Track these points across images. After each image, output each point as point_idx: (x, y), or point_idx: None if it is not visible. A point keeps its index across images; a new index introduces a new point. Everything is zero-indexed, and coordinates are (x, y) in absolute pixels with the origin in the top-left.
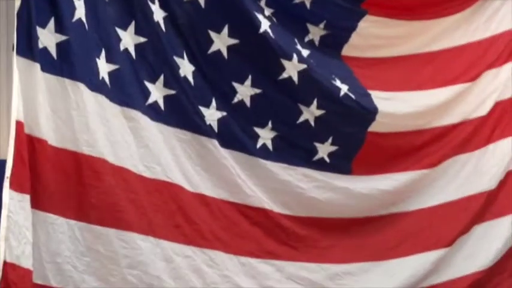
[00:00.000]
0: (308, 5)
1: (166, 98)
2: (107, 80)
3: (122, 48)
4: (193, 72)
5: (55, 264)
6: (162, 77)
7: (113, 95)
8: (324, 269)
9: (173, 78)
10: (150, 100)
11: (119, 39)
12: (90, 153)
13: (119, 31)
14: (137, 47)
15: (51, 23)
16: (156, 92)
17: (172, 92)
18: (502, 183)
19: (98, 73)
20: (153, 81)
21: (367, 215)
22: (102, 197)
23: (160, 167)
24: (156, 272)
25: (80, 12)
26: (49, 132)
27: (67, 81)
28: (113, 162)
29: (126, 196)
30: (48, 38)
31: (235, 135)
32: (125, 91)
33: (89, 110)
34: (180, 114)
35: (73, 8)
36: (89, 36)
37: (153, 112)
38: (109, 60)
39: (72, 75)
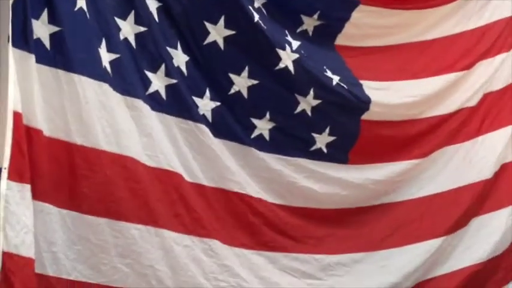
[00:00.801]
0: None
1: (168, 87)
2: (108, 69)
3: (121, 37)
4: (187, 63)
5: (51, 253)
6: (163, 67)
7: (116, 83)
8: (317, 260)
9: (173, 68)
10: (151, 89)
11: (119, 29)
12: (83, 143)
13: (119, 21)
14: (137, 36)
15: (45, 14)
16: (157, 82)
17: (174, 81)
18: (497, 176)
19: (100, 62)
20: (154, 70)
21: (359, 205)
22: (95, 187)
23: (163, 155)
24: (149, 261)
25: (81, 2)
26: (43, 123)
27: (60, 72)
28: (114, 151)
29: (127, 185)
30: (42, 29)
31: (229, 126)
32: (126, 80)
33: (83, 100)
34: (181, 103)
35: None
36: (89, 25)
37: (154, 101)
38: (109, 49)
39: (66, 66)
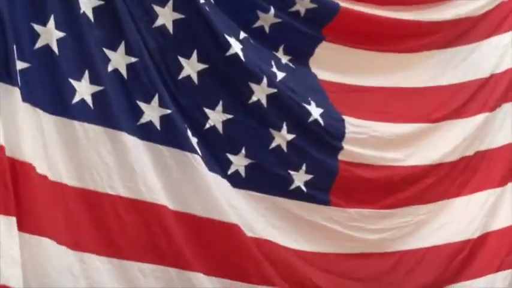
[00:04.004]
0: (267, 29)
1: (163, 118)
2: (89, 102)
3: (110, 68)
4: (174, 96)
5: (41, 284)
6: (156, 97)
7: (95, 116)
8: None
9: (167, 99)
10: (143, 120)
11: (108, 60)
12: (50, 177)
13: (108, 52)
14: (128, 66)
15: (14, 51)
16: (151, 112)
17: (168, 111)
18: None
19: (71, 96)
20: (148, 101)
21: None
22: (63, 220)
23: (145, 187)
24: None
25: (46, 39)
26: (33, 157)
27: (31, 107)
28: (75, 186)
29: (89, 218)
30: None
31: (210, 160)
32: (110, 112)
33: (47, 136)
34: (176, 134)
35: (36, 36)
36: (58, 61)
37: (146, 132)
38: (93, 81)
39: (33, 101)
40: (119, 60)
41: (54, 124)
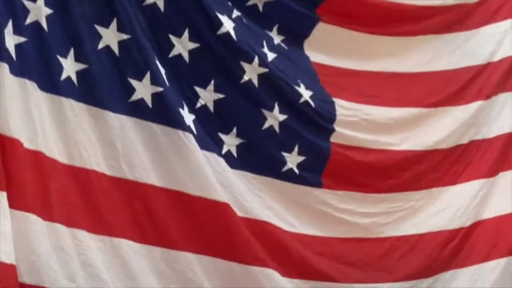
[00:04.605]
0: (261, 8)
1: (154, 96)
2: (74, 79)
3: (102, 45)
4: (166, 74)
5: (29, 261)
6: (148, 74)
7: (81, 94)
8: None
9: (160, 76)
10: (135, 97)
11: (100, 37)
12: (46, 153)
13: (100, 28)
14: (120, 43)
15: (10, 25)
16: (143, 89)
17: (160, 89)
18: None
19: (58, 74)
20: (140, 78)
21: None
22: (56, 196)
23: (127, 166)
24: (106, 271)
25: (36, 15)
26: (20, 132)
27: (27, 81)
28: (64, 162)
29: (79, 194)
30: (9, 38)
31: (206, 139)
32: (95, 90)
33: (43, 111)
34: (168, 112)
35: (26, 12)
36: (47, 37)
37: (137, 109)
38: (78, 59)
39: (29, 76)
40: (110, 36)
41: (45, 101)
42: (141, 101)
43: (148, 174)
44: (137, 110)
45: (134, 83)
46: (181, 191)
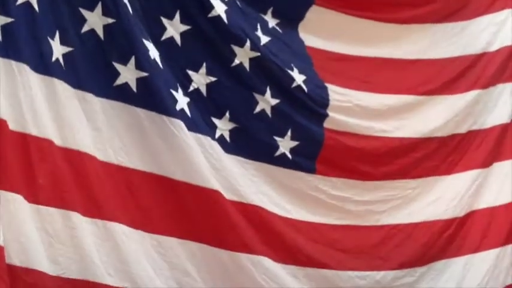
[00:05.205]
0: None
1: (139, 80)
2: (61, 61)
3: (87, 29)
4: (160, 56)
5: (19, 243)
6: (133, 59)
7: (68, 77)
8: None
9: (145, 61)
10: (119, 81)
11: (84, 20)
12: (37, 134)
13: (84, 12)
14: (105, 27)
15: None
16: (127, 74)
17: (145, 74)
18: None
19: (49, 55)
20: (124, 62)
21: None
22: (49, 178)
23: (112, 149)
24: (99, 254)
25: None
26: (6, 113)
27: (12, 62)
28: (60, 145)
29: (74, 178)
30: None
31: (200, 122)
32: (80, 73)
33: (34, 92)
34: (154, 97)
35: None
36: (38, 18)
37: (122, 93)
38: (63, 42)
39: (17, 57)
40: (95, 20)
41: (38, 82)
42: (126, 85)
43: (132, 159)
44: (122, 94)
45: (119, 67)
46: (165, 175)
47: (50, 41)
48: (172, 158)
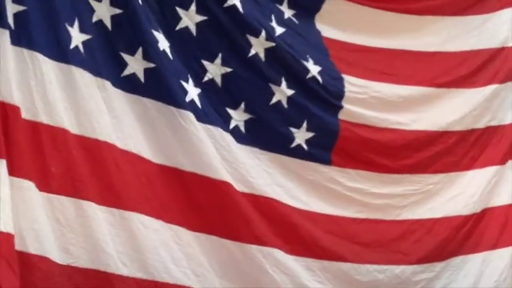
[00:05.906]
0: None
1: (147, 71)
2: (81, 49)
3: (95, 19)
4: (170, 48)
5: (33, 231)
6: (140, 50)
7: (88, 64)
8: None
9: (155, 51)
10: (127, 72)
11: (92, 10)
12: (49, 123)
13: (93, 2)
14: (113, 18)
15: None
16: (134, 64)
17: (153, 65)
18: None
19: (68, 43)
20: (132, 53)
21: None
22: (61, 166)
23: (130, 139)
24: (113, 243)
25: None
26: (18, 100)
27: (25, 50)
28: (76, 133)
29: (90, 166)
30: (8, 7)
31: (211, 113)
32: (98, 61)
33: (47, 80)
34: (161, 87)
35: None
36: (56, 5)
37: (130, 84)
38: (82, 30)
39: (29, 45)
40: (103, 11)
41: (54, 70)
42: (133, 75)
43: (144, 149)
44: (130, 84)
45: (126, 57)
46: (175, 166)
47: (69, 28)
48: (181, 149)
